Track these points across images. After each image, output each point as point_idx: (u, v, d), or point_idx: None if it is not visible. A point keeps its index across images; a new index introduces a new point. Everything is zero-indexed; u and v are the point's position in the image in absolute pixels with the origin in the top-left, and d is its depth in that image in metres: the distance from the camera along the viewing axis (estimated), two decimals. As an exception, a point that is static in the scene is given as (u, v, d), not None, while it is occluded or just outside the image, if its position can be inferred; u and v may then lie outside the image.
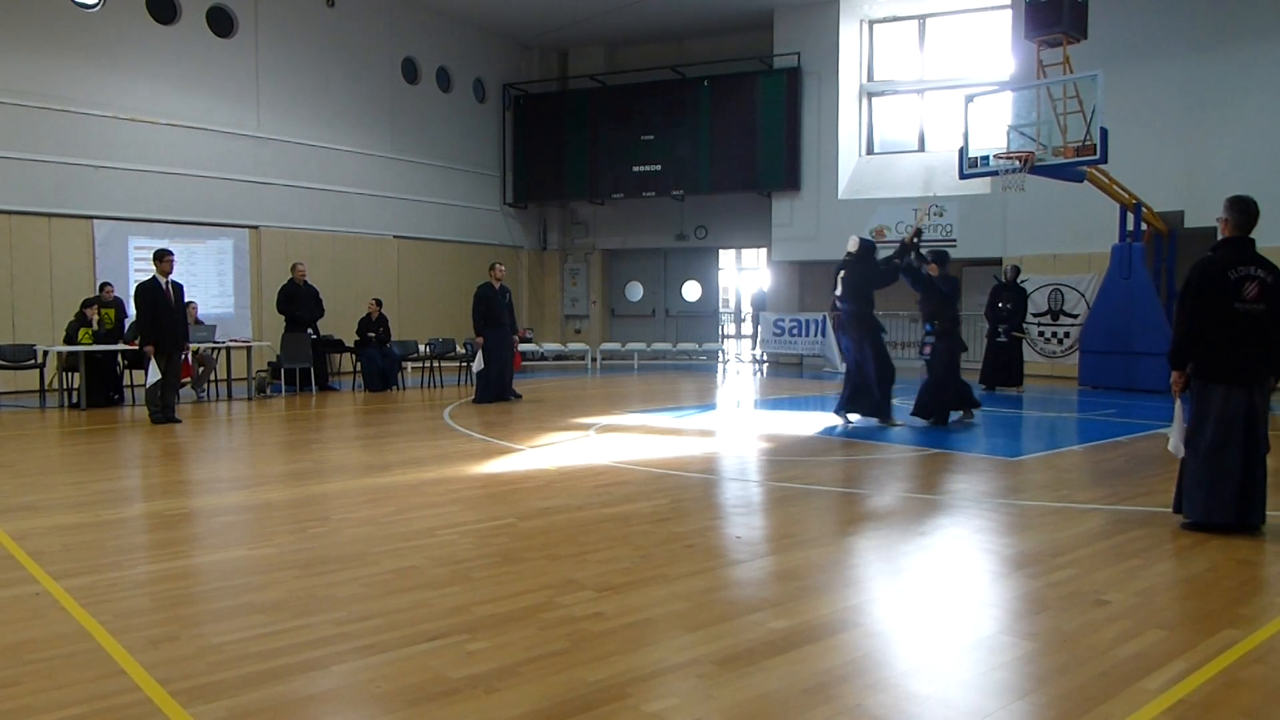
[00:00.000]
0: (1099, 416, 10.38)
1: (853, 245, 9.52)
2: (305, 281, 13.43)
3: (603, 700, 2.81)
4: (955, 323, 9.73)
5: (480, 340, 11.66)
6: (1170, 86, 14.18)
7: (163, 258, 9.98)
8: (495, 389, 11.78)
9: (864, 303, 9.40)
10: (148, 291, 9.88)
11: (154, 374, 9.69)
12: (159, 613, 3.64)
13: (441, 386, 13.97)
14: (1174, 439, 5.14)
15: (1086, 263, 14.73)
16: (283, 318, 13.22)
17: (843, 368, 13.53)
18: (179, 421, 9.76)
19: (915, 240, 9.52)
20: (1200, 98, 14.01)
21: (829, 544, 4.78)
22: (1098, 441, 8.44)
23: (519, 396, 12.03)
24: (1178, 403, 5.14)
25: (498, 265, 12.23)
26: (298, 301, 13.22)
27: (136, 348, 10.25)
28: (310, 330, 13.25)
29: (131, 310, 12.28)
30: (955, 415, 9.68)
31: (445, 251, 18.47)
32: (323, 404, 11.81)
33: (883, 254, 9.88)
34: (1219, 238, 5.04)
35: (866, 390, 9.41)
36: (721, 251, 20.83)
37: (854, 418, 9.51)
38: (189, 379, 11.73)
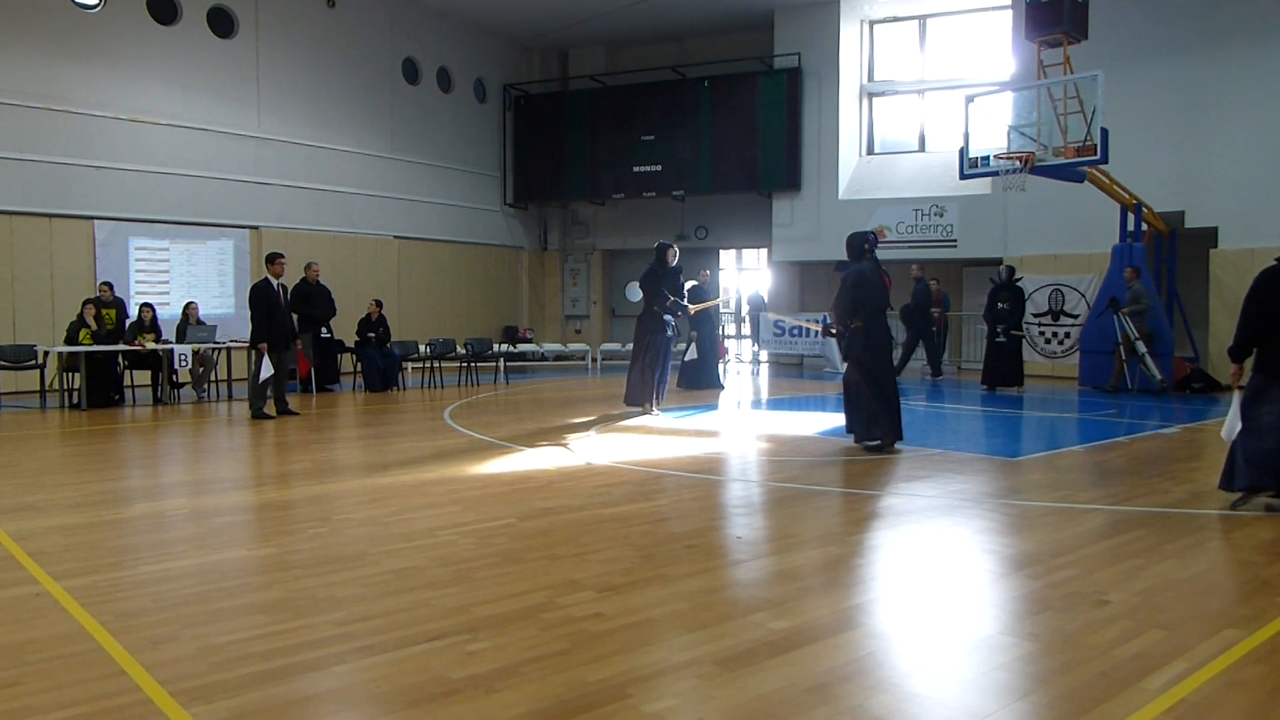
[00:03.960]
0: (1099, 416, 10.38)
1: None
2: (318, 281, 13.51)
3: (603, 700, 2.81)
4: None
5: (695, 334, 13.32)
6: (1170, 86, 14.17)
7: (274, 260, 10.34)
8: (708, 376, 13.47)
9: (650, 301, 10.21)
10: (261, 293, 10.17)
11: (267, 370, 10.02)
12: (159, 613, 3.63)
13: (442, 387, 13.97)
14: (1228, 426, 5.61)
15: (1087, 263, 14.72)
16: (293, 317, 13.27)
17: (843, 368, 14.33)
18: (296, 414, 10.18)
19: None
20: (1200, 98, 14.01)
21: (829, 544, 4.78)
22: (1098, 441, 8.44)
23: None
24: (1236, 394, 5.63)
25: (704, 270, 14.36)
26: (311, 301, 13.29)
27: (247, 346, 10.55)
28: (324, 330, 13.36)
29: (132, 310, 12.36)
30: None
31: (445, 252, 18.47)
32: (323, 404, 11.81)
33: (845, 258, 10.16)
34: None
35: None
36: (722, 252, 20.84)
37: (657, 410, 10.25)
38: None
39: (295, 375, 12.20)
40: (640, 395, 10.34)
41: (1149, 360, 12.43)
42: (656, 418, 9.99)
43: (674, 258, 10.41)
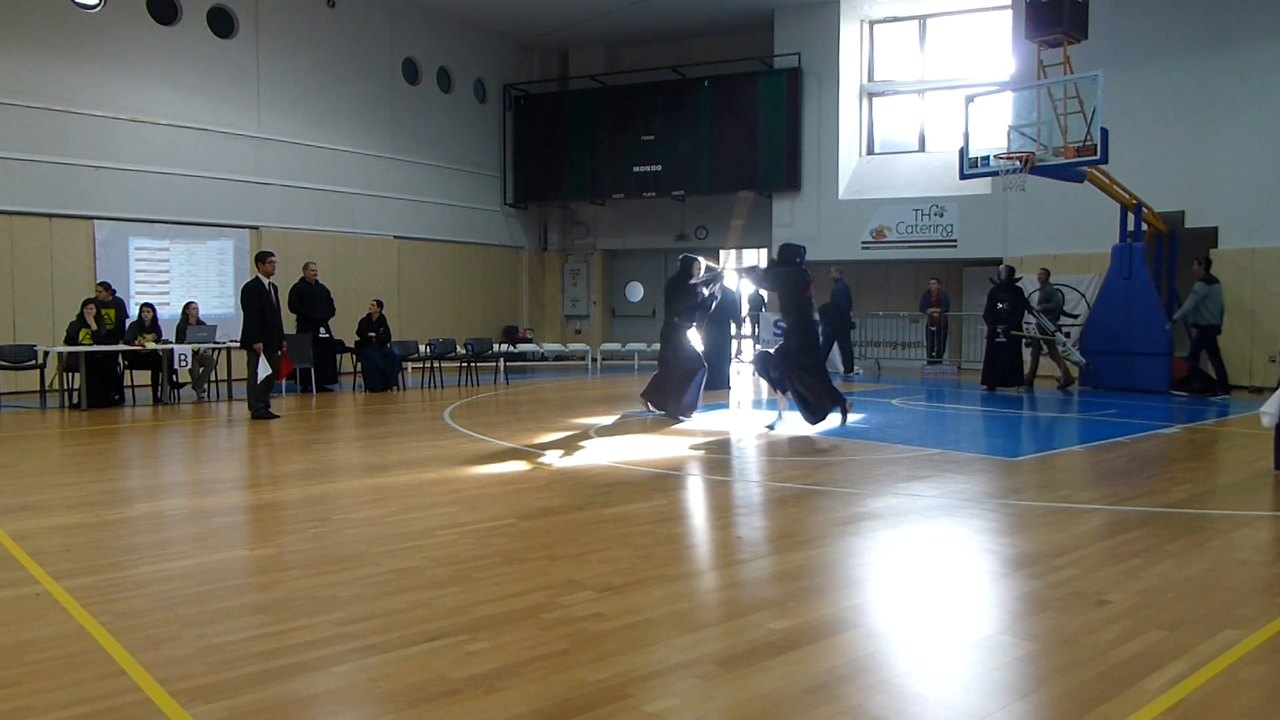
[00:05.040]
0: (1099, 416, 10.38)
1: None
2: (317, 280, 13.51)
3: (603, 700, 2.81)
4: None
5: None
6: (1170, 86, 14.17)
7: (265, 259, 10.34)
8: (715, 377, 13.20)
9: (671, 312, 10.27)
10: (254, 292, 10.18)
11: (264, 370, 10.05)
12: (159, 613, 3.63)
13: (442, 387, 13.97)
14: (1274, 411, 6.23)
15: (1087, 263, 14.72)
16: (292, 317, 13.28)
17: (841, 369, 15.78)
18: (277, 417, 10.04)
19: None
20: (1200, 98, 14.00)
21: (829, 544, 4.78)
22: (1098, 441, 8.44)
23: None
24: None
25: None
26: (310, 301, 13.30)
27: (238, 345, 10.58)
28: (323, 329, 13.37)
29: (133, 310, 12.36)
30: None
31: (445, 252, 18.47)
32: (323, 404, 11.81)
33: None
34: None
35: (658, 385, 10.24)
36: (722, 252, 20.83)
37: (654, 409, 10.28)
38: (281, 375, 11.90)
39: (278, 377, 12.10)
40: (666, 399, 10.06)
41: (1070, 347, 13.08)
42: (681, 423, 9.81)
43: (699, 272, 10.23)
